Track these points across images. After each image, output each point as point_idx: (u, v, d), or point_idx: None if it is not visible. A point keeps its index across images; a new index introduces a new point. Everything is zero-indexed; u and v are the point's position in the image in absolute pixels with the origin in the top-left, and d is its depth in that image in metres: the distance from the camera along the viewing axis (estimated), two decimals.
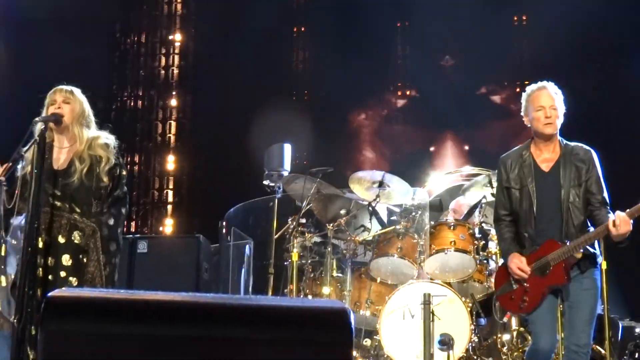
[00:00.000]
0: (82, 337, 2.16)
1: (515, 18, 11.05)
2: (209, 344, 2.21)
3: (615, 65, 11.08)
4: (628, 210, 4.77)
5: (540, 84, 5.30)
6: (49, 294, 2.30)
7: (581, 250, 4.87)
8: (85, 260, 4.84)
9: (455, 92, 10.07)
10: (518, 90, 10.07)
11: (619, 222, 4.65)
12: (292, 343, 2.23)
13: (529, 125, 5.28)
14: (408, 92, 10.41)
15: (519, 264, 4.91)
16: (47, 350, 2.22)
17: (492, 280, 6.83)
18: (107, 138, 5.06)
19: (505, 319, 6.69)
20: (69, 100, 5.00)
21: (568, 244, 4.85)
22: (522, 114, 5.34)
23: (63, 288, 4.57)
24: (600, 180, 5.14)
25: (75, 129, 4.95)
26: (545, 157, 5.23)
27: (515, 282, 5.05)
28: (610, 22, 10.56)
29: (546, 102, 5.13)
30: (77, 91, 5.09)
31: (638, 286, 6.57)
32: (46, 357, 2.18)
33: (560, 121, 5.17)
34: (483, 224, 7.01)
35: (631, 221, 4.72)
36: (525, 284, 4.99)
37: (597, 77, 11.46)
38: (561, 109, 5.19)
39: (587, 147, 5.26)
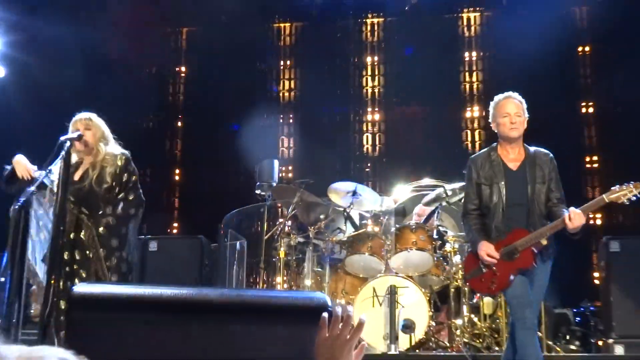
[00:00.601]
0: (101, 324, 2.13)
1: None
2: (209, 331, 2.17)
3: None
4: (582, 206, 4.77)
5: (506, 93, 5.26)
6: (74, 288, 2.27)
7: (546, 238, 4.83)
8: (90, 255, 4.82)
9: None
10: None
11: (574, 216, 4.64)
12: (281, 326, 2.20)
13: (496, 131, 5.22)
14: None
15: (487, 250, 4.84)
16: (71, 335, 2.19)
17: (446, 273, 6.85)
18: (118, 150, 5.06)
19: (475, 300, 6.69)
20: (89, 126, 5.00)
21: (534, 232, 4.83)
22: (490, 121, 5.29)
23: (78, 282, 4.62)
24: (558, 180, 5.16)
25: (97, 148, 4.95)
26: (512, 157, 5.17)
27: (484, 266, 4.98)
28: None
29: (511, 109, 5.08)
30: (94, 116, 5.09)
31: (566, 277, 6.55)
32: (70, 339, 2.15)
33: (523, 127, 5.13)
34: (439, 227, 7.01)
35: (584, 216, 4.69)
36: (494, 268, 4.92)
37: None
38: (524, 115, 5.14)
39: (547, 151, 5.25)
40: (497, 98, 5.27)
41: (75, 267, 4.83)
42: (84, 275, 4.83)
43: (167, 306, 2.22)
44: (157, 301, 2.25)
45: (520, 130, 5.11)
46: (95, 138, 4.99)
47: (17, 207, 4.60)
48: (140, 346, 2.12)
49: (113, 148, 5.09)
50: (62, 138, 4.67)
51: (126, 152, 5.15)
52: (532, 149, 5.22)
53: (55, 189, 4.60)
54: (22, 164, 4.85)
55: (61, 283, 4.58)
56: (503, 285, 4.96)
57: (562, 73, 9.74)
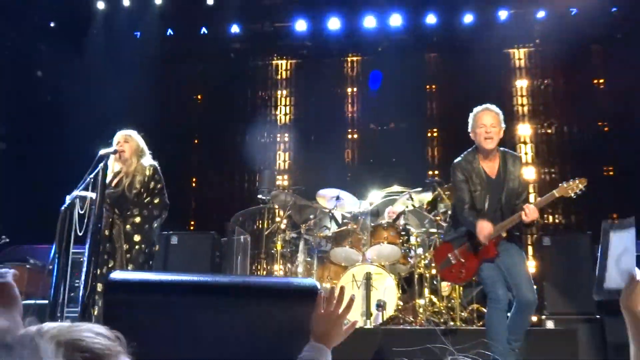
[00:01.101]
0: (132, 305, 2.14)
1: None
2: (221, 309, 2.18)
3: None
4: (535, 202, 4.74)
5: (484, 105, 4.99)
6: (110, 274, 2.28)
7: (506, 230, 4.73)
8: (117, 247, 4.85)
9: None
10: None
11: (529, 211, 4.51)
12: (278, 305, 2.20)
13: (474, 140, 4.94)
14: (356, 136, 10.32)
15: (488, 229, 4.62)
16: (106, 313, 2.20)
17: (412, 262, 6.86)
18: (149, 162, 5.08)
19: (446, 289, 6.67)
20: (128, 140, 5.02)
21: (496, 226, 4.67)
22: (469, 130, 4.97)
23: (107, 270, 4.65)
24: (523, 181, 5.02)
25: (133, 159, 4.98)
26: (490, 165, 4.90)
27: (453, 258, 4.90)
28: None
29: (487, 121, 4.81)
30: (134, 133, 5.12)
31: None
32: (105, 317, 2.15)
33: (499, 137, 4.87)
34: (406, 225, 7.03)
35: (537, 211, 4.59)
36: (461, 260, 4.85)
37: None
38: (500, 126, 4.88)
39: (516, 155, 5.11)
40: (475, 109, 4.99)
41: (106, 257, 4.86)
42: (111, 264, 4.93)
43: (187, 289, 2.24)
44: (178, 285, 2.26)
45: (495, 140, 4.85)
46: (131, 151, 5.04)
47: (63, 208, 4.61)
48: (164, 322, 2.13)
49: (146, 160, 5.11)
50: (101, 152, 4.68)
51: (154, 163, 5.18)
52: (504, 152, 4.99)
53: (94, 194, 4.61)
54: None
55: (98, 270, 4.58)
56: (471, 274, 4.93)
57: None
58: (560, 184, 4.66)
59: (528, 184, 4.97)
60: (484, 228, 4.62)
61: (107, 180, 4.87)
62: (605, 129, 9.98)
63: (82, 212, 4.63)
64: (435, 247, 6.49)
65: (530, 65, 10.33)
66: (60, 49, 9.16)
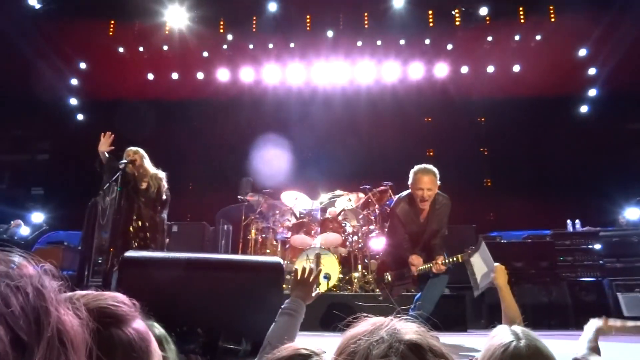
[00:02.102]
0: (142, 277, 2.05)
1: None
2: (209, 279, 2.11)
3: None
4: (446, 261, 3.95)
5: (424, 167, 4.22)
6: (125, 253, 2.18)
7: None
8: (150, 235, 4.65)
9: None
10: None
11: (438, 269, 3.97)
12: (251, 278, 2.14)
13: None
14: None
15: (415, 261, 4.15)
16: (122, 282, 2.09)
17: (349, 246, 6.84)
18: (161, 173, 4.89)
19: (374, 265, 6.54)
20: (138, 152, 4.82)
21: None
22: (409, 183, 4.26)
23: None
24: (445, 222, 4.34)
25: (147, 168, 4.76)
26: (422, 210, 4.24)
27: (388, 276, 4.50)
28: None
29: (425, 184, 4.11)
30: (140, 149, 4.88)
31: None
32: (121, 286, 2.06)
33: (434, 193, 4.18)
34: (345, 219, 7.02)
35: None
36: (392, 279, 4.46)
37: None
38: (435, 188, 4.18)
39: (446, 198, 4.32)
40: (417, 169, 4.24)
41: (147, 242, 4.60)
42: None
43: (183, 264, 2.15)
44: (178, 262, 2.18)
45: (430, 201, 4.20)
46: (140, 161, 4.79)
47: (90, 203, 4.43)
48: (166, 289, 2.04)
49: (154, 170, 4.91)
50: (121, 162, 4.53)
51: (163, 173, 4.96)
52: (436, 197, 4.24)
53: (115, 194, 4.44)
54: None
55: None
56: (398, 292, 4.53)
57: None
58: (465, 251, 3.61)
59: (446, 223, 4.37)
60: (414, 262, 4.17)
61: (135, 185, 4.69)
62: (485, 152, 10.29)
63: (104, 206, 4.49)
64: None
65: None
66: None
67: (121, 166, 4.46)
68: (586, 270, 6.51)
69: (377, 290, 6.24)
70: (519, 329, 1.22)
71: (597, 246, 6.54)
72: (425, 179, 4.13)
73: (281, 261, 2.19)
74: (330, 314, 5.66)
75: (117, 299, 0.90)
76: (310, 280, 1.99)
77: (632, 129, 10.16)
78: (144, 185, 4.67)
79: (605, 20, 9.52)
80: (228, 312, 2.10)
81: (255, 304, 2.13)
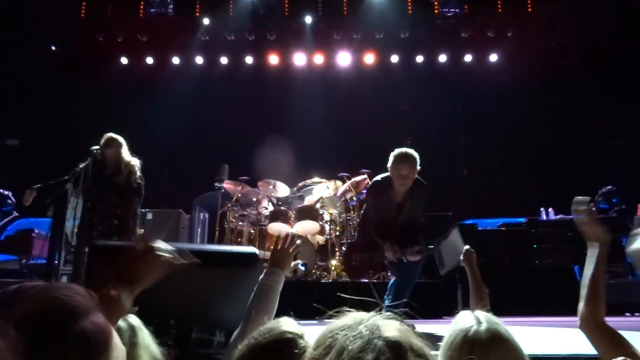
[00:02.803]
0: (112, 268, 1.98)
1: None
2: (183, 270, 2.04)
3: None
4: (416, 249, 3.98)
5: (404, 152, 4.10)
6: (95, 242, 2.11)
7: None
8: (119, 224, 4.51)
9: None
10: None
11: (411, 257, 3.98)
12: (227, 268, 2.10)
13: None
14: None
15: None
16: (91, 268, 2.02)
17: (326, 234, 6.83)
18: (134, 161, 4.74)
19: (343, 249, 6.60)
20: (114, 139, 4.66)
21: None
22: (388, 165, 4.14)
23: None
24: (422, 208, 4.31)
25: (117, 156, 4.61)
26: (398, 194, 4.17)
27: (354, 259, 4.47)
28: None
29: (404, 171, 4.03)
30: (118, 137, 4.73)
31: None
32: (90, 271, 1.99)
33: (412, 178, 4.09)
34: (323, 207, 6.98)
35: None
36: (359, 264, 4.44)
37: None
38: (415, 172, 4.09)
39: (424, 185, 4.24)
40: (398, 152, 4.13)
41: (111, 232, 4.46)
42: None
43: None
44: None
45: (408, 184, 4.10)
46: (119, 149, 4.62)
47: (60, 190, 4.30)
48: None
49: (129, 156, 4.75)
50: (92, 148, 4.39)
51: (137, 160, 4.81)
52: (415, 182, 4.14)
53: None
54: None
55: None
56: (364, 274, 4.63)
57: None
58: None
59: (422, 209, 4.36)
60: (390, 253, 4.09)
61: (106, 172, 4.55)
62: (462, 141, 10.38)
63: (76, 195, 4.36)
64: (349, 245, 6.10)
65: None
66: None
67: (92, 153, 4.32)
68: (559, 258, 6.63)
69: (344, 273, 6.27)
70: (481, 314, 1.24)
71: (570, 234, 6.66)
72: (405, 163, 4.04)
73: (256, 251, 2.14)
74: (306, 302, 5.64)
75: (72, 290, 0.84)
76: (290, 249, 2.00)
77: (607, 119, 10.34)
78: (114, 174, 4.52)
79: (581, 11, 9.63)
80: (201, 303, 2.05)
81: (229, 294, 2.08)
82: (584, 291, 1.62)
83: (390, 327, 0.77)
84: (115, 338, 0.85)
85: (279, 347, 1.10)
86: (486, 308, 1.95)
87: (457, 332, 1.20)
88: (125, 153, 4.75)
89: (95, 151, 4.34)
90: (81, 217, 4.12)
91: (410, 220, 4.24)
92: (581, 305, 1.62)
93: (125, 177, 4.53)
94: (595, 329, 1.52)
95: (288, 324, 1.19)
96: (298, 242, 2.06)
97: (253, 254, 2.09)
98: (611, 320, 1.60)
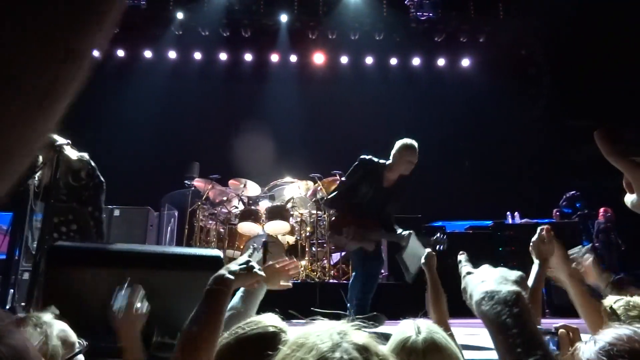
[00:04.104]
0: (68, 268, 1.93)
1: None
2: (145, 273, 2.00)
3: None
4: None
5: (413, 143, 4.35)
6: (54, 244, 2.04)
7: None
8: (76, 227, 4.28)
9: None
10: None
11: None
12: (189, 272, 2.06)
13: (392, 159, 4.32)
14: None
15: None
16: (48, 274, 1.96)
17: (296, 234, 6.81)
18: (83, 159, 4.37)
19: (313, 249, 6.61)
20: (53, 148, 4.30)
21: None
22: (394, 152, 4.32)
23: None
24: (403, 200, 4.51)
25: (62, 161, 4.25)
26: (390, 178, 4.35)
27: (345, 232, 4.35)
28: None
29: (413, 159, 4.29)
30: (56, 141, 4.35)
31: None
32: (47, 277, 1.93)
33: None
34: (293, 207, 6.96)
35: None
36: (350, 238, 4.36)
37: None
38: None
39: (409, 175, 4.45)
40: (409, 143, 4.35)
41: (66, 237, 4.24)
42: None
43: (117, 257, 2.04)
44: (110, 254, 2.06)
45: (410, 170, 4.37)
46: (57, 156, 4.30)
47: (21, 186, 4.14)
48: (97, 283, 1.93)
49: (73, 155, 4.41)
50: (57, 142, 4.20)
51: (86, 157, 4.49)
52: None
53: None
54: None
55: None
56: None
57: None
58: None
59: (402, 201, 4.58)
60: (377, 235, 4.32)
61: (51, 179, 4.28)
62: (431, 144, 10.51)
63: (38, 190, 4.18)
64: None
65: None
66: None
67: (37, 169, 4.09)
68: (523, 260, 6.78)
69: (324, 277, 6.27)
70: (423, 322, 1.28)
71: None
72: (414, 152, 4.31)
73: (220, 254, 2.11)
74: (275, 302, 5.62)
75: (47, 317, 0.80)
76: (279, 270, 2.00)
77: (571, 125, 10.61)
78: (63, 177, 4.25)
79: (552, 19, 9.86)
80: (164, 307, 2.00)
81: (193, 298, 2.04)
82: None
83: (359, 334, 0.81)
84: (35, 355, 0.82)
85: (263, 339, 1.14)
86: (443, 312, 2.05)
87: (397, 341, 1.24)
88: (70, 153, 4.39)
89: (61, 146, 4.17)
90: (44, 212, 3.96)
91: (393, 208, 4.44)
92: None
93: (74, 179, 4.21)
94: None
95: (273, 319, 1.24)
96: (289, 284, 2.05)
97: (217, 257, 2.06)
98: (566, 322, 1.66)
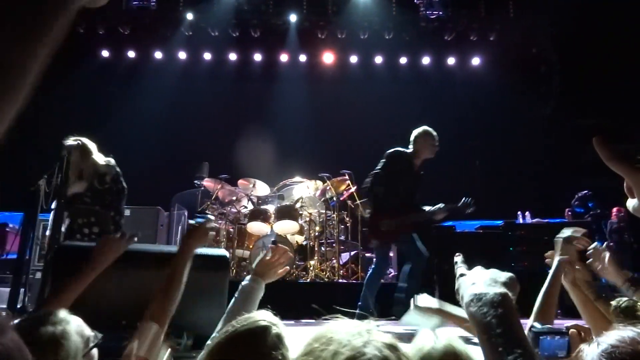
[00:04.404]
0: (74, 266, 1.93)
1: None
2: (150, 272, 2.00)
3: None
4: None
5: (431, 129, 4.76)
6: (62, 243, 2.04)
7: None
8: (98, 230, 4.34)
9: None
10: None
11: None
12: (195, 272, 2.05)
13: (417, 148, 4.70)
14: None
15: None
16: (56, 268, 1.96)
17: (305, 234, 6.79)
18: (110, 164, 4.47)
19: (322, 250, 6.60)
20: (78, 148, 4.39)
21: None
22: (418, 140, 4.71)
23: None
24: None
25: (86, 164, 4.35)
26: (417, 166, 4.78)
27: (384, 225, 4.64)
28: None
29: (437, 142, 4.73)
30: (82, 143, 4.45)
31: None
32: (54, 273, 1.93)
33: None
34: (302, 207, 6.94)
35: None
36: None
37: None
38: None
39: None
40: (429, 130, 4.76)
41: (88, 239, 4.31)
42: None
43: (122, 256, 2.04)
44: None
45: None
46: (85, 156, 4.40)
47: (33, 187, 4.18)
48: (103, 282, 1.93)
49: (100, 160, 4.51)
50: (66, 145, 4.24)
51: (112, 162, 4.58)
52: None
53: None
54: None
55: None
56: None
57: None
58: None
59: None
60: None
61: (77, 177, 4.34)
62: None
63: (48, 191, 4.22)
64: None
65: None
66: None
67: (67, 149, 4.17)
68: (534, 261, 6.71)
69: (333, 277, 6.26)
70: (442, 332, 1.24)
71: (545, 237, 6.74)
72: (437, 138, 4.73)
73: (227, 254, 2.11)
74: (284, 301, 5.61)
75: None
76: (278, 261, 1.97)
77: (583, 124, 10.48)
78: (88, 180, 4.29)
79: (563, 17, 9.74)
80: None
81: (198, 297, 2.04)
82: (537, 305, 1.67)
83: (384, 334, 0.84)
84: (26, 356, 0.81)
85: (254, 334, 1.15)
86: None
87: (415, 349, 1.21)
88: (97, 157, 4.46)
89: (71, 148, 4.20)
90: (54, 215, 3.99)
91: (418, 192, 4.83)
92: (531, 320, 1.66)
93: (98, 182, 4.27)
94: None
95: (264, 314, 1.25)
96: (286, 268, 2.02)
97: (223, 257, 2.05)
98: (578, 322, 1.63)
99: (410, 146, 4.77)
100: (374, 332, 0.82)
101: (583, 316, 1.82)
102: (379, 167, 4.77)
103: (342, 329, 0.83)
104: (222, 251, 2.14)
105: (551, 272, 1.90)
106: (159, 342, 1.62)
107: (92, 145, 4.42)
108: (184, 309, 1.97)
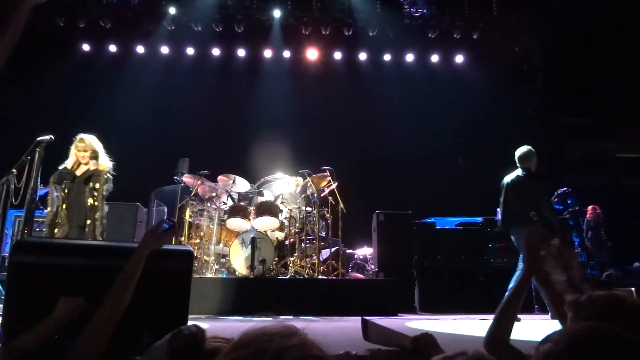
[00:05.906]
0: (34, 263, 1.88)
1: None
2: (111, 269, 1.96)
3: None
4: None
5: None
6: (19, 240, 2.00)
7: None
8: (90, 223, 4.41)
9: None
10: None
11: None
12: (158, 268, 2.02)
13: (529, 167, 5.39)
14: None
15: None
16: (12, 266, 1.91)
17: (285, 230, 6.76)
18: (109, 166, 4.73)
19: (302, 246, 6.55)
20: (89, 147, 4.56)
21: None
22: (529, 159, 5.43)
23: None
24: None
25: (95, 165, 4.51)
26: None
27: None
28: None
29: None
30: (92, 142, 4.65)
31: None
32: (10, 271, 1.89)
33: None
34: (283, 203, 6.90)
35: None
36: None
37: None
38: None
39: None
40: (533, 150, 5.50)
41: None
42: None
43: (82, 252, 1.99)
44: (76, 249, 2.02)
45: None
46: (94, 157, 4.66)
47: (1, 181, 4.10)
48: (62, 278, 1.89)
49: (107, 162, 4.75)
50: (38, 139, 4.19)
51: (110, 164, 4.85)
52: None
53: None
54: None
55: None
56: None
57: None
58: None
59: None
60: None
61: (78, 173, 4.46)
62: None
63: (19, 185, 4.14)
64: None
65: None
66: None
67: (40, 142, 4.12)
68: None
69: (313, 273, 6.23)
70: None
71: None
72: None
73: (191, 249, 2.07)
74: (264, 298, 5.59)
75: None
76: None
77: (565, 122, 10.59)
78: (88, 176, 4.41)
79: (546, 15, 9.81)
80: (130, 303, 1.96)
81: (161, 294, 2.00)
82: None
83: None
84: None
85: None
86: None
87: None
88: (104, 158, 4.70)
89: (42, 142, 4.14)
90: (26, 208, 3.93)
91: None
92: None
93: (98, 182, 4.46)
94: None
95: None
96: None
97: (188, 252, 2.02)
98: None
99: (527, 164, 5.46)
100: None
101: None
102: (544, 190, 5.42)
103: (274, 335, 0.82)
104: (186, 247, 2.10)
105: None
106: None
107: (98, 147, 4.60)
108: (145, 306, 1.94)
